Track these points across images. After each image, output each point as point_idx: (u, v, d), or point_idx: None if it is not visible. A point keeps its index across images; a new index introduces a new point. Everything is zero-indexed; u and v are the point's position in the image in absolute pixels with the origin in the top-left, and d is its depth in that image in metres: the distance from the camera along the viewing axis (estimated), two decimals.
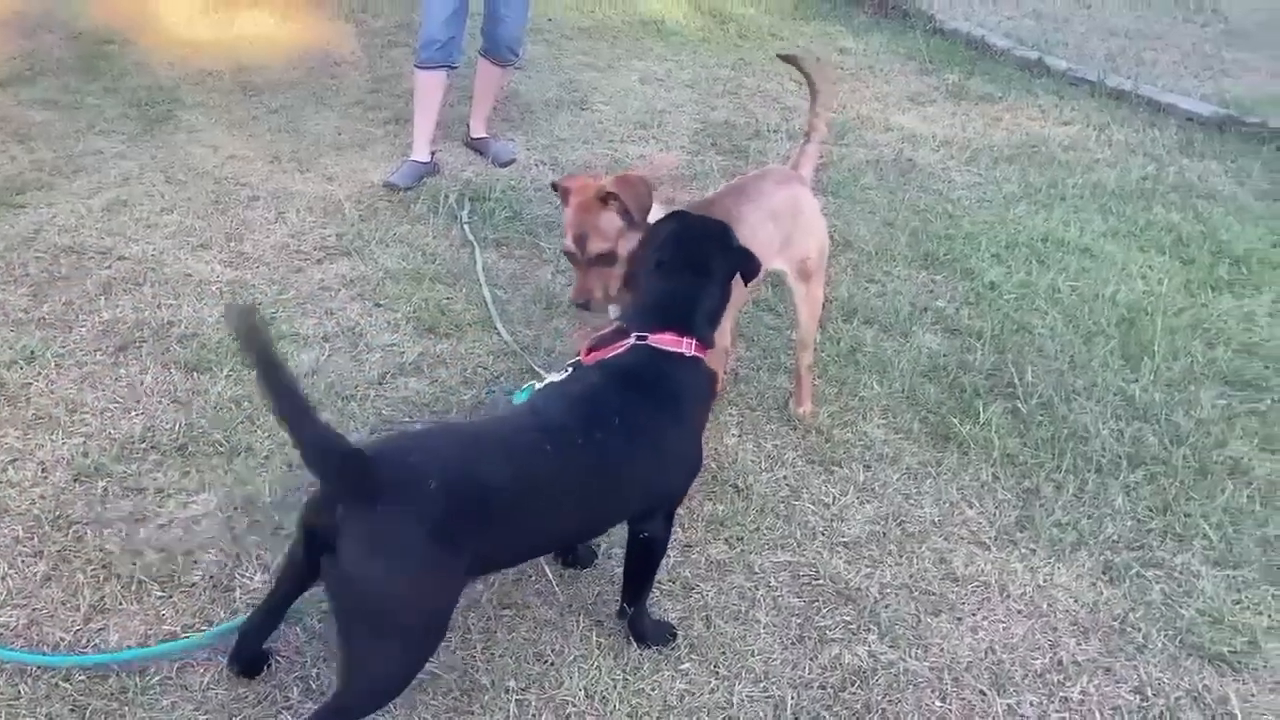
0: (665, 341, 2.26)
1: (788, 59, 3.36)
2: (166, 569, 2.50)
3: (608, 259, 2.61)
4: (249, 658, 2.22)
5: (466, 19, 4.60)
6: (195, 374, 3.22)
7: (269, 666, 2.26)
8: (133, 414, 3.03)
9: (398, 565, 1.84)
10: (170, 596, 2.43)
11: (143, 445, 2.90)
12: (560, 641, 2.42)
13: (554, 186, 2.76)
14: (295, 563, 2.05)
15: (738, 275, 2.47)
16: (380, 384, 3.28)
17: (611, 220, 2.59)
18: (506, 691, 2.28)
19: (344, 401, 3.17)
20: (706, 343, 2.33)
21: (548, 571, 2.60)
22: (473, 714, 2.23)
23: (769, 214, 3.00)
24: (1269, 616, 2.69)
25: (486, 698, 2.26)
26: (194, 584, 2.47)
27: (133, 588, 2.44)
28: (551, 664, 2.37)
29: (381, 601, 1.87)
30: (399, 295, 3.76)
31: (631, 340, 2.27)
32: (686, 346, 2.27)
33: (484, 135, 5.08)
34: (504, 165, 4.95)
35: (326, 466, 1.83)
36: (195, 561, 2.53)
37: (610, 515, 2.26)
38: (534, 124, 5.49)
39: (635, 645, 2.42)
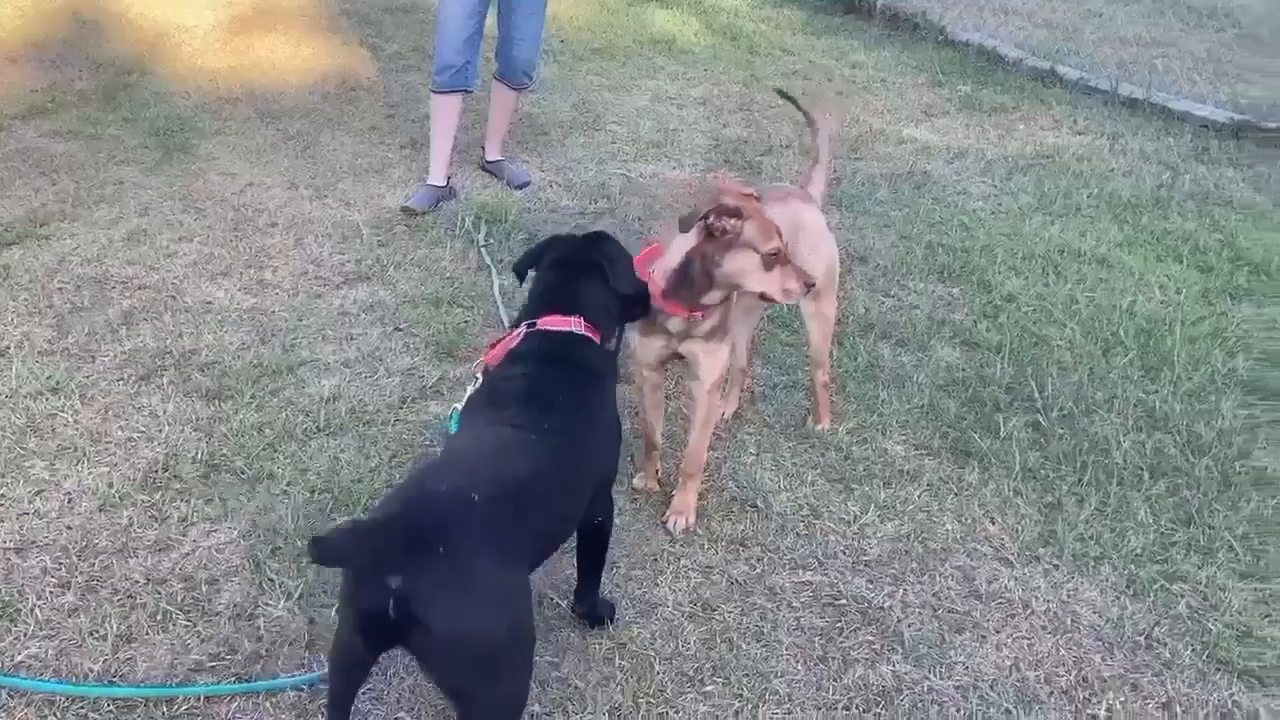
0: (551, 323, 2.35)
1: (784, 95, 3.47)
2: (191, 598, 2.52)
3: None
4: None
5: (481, 43, 4.63)
6: (217, 402, 3.24)
7: None
8: (155, 443, 3.06)
9: (495, 598, 1.83)
10: (195, 625, 2.45)
11: (166, 474, 2.93)
12: (583, 665, 2.43)
13: (708, 215, 2.57)
14: (355, 660, 1.97)
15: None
16: (401, 408, 3.30)
17: None
18: (531, 717, 2.27)
19: (365, 426, 3.19)
20: (594, 322, 2.40)
21: (561, 604, 2.61)
22: None
23: None
24: None
25: None
26: (218, 612, 2.49)
27: (158, 617, 2.46)
28: (575, 688, 2.37)
29: (497, 640, 1.83)
30: (418, 319, 3.79)
31: (522, 329, 2.37)
32: (575, 324, 2.36)
33: (499, 158, 5.11)
34: (519, 188, 4.97)
35: (365, 549, 1.78)
36: (219, 590, 2.56)
37: (587, 485, 2.28)
38: (548, 146, 5.52)
39: (596, 627, 2.52)
